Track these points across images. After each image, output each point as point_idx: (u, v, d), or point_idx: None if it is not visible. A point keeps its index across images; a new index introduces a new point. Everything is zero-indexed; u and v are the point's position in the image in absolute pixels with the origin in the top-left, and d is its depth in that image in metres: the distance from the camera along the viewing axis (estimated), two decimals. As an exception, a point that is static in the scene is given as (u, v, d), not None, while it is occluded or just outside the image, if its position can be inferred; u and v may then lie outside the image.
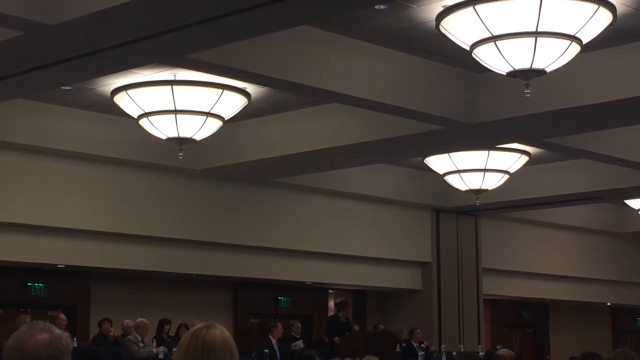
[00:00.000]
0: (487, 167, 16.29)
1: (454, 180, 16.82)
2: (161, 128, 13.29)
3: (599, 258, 24.22)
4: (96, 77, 12.52)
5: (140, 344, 14.60)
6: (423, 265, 20.68)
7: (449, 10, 10.13)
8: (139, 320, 14.96)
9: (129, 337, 14.83)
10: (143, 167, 15.97)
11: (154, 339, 15.13)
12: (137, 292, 17.83)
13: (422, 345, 18.23)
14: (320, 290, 20.69)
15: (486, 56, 10.24)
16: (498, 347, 14.82)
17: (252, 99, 13.49)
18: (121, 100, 13.25)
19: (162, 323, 16.02)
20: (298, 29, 10.97)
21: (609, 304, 26.08)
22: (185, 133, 13.26)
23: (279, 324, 16.16)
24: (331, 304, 20.85)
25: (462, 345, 19.52)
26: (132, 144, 15.21)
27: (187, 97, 12.85)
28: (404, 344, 17.93)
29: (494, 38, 9.94)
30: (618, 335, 27.10)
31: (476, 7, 9.80)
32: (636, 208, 21.12)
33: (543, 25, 9.69)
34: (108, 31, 9.62)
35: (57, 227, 15.26)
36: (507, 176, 16.74)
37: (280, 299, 20.13)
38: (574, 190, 18.79)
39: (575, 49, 10.14)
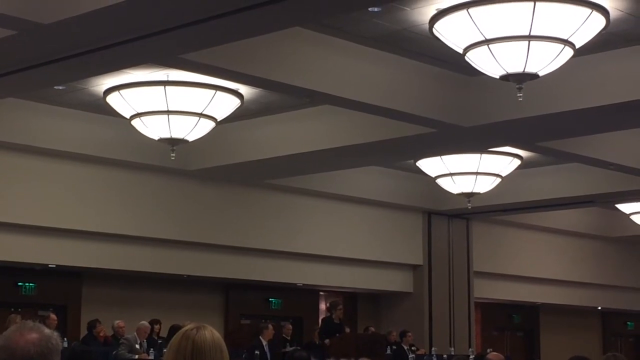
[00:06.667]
0: (479, 171, 16.30)
1: (445, 183, 16.83)
2: (153, 128, 13.28)
3: (590, 262, 24.26)
4: (89, 76, 12.51)
5: (137, 346, 14.62)
6: (414, 267, 20.69)
7: (442, 13, 10.14)
8: (140, 323, 15.03)
9: (128, 336, 14.84)
10: (135, 167, 15.95)
11: (145, 340, 15.13)
12: (128, 292, 17.80)
13: (412, 348, 18.23)
14: (311, 292, 20.69)
15: (479, 59, 10.25)
16: (489, 350, 14.84)
17: (244, 100, 13.48)
18: (114, 100, 13.24)
19: (152, 323, 16.01)
20: (291, 30, 10.96)
21: (599, 307, 26.13)
22: (177, 134, 13.25)
23: (270, 326, 16.14)
24: (322, 306, 20.84)
25: (452, 348, 19.53)
26: (124, 144, 15.19)
27: (180, 97, 12.83)
28: (394, 347, 17.94)
29: (487, 41, 9.95)
30: (608, 339, 27.14)
31: (469, 10, 9.81)
32: (627, 212, 21.16)
33: (536, 29, 9.70)
34: (101, 31, 9.60)
35: (48, 227, 15.24)
36: (499, 179, 16.76)
37: (271, 300, 20.12)
38: (566, 194, 18.82)
39: (568, 53, 10.15)
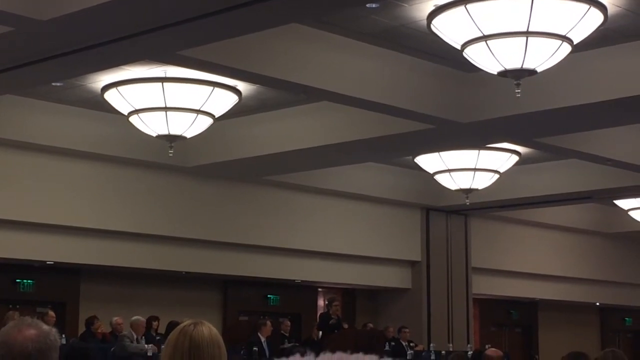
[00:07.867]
0: (477, 167, 16.29)
1: (444, 180, 16.83)
2: (151, 125, 13.27)
3: (588, 258, 24.26)
4: (87, 73, 12.49)
5: (134, 342, 14.60)
6: (413, 264, 20.69)
7: (440, 9, 10.14)
8: (134, 317, 14.99)
9: (124, 332, 14.83)
10: (133, 164, 15.94)
11: (143, 336, 15.12)
12: (127, 289, 17.79)
13: (411, 344, 18.24)
14: (309, 289, 20.68)
15: (477, 55, 10.25)
16: (487, 346, 14.85)
17: (242, 96, 13.47)
18: (111, 96, 13.23)
19: (150, 320, 16.01)
20: (289, 26, 10.95)
21: (597, 304, 26.13)
22: (175, 130, 13.24)
23: (268, 322, 16.13)
24: (321, 302, 20.85)
25: (451, 344, 19.54)
26: (122, 140, 15.18)
27: (178, 94, 12.82)
28: (392, 343, 17.94)
29: (485, 37, 9.95)
30: (606, 335, 27.16)
31: (467, 6, 9.81)
32: (626, 208, 21.16)
33: (534, 25, 9.70)
34: (99, 27, 9.60)
35: (46, 224, 15.23)
36: (497, 175, 16.75)
37: (269, 297, 20.11)
38: (564, 190, 18.83)
39: (566, 49, 10.15)
